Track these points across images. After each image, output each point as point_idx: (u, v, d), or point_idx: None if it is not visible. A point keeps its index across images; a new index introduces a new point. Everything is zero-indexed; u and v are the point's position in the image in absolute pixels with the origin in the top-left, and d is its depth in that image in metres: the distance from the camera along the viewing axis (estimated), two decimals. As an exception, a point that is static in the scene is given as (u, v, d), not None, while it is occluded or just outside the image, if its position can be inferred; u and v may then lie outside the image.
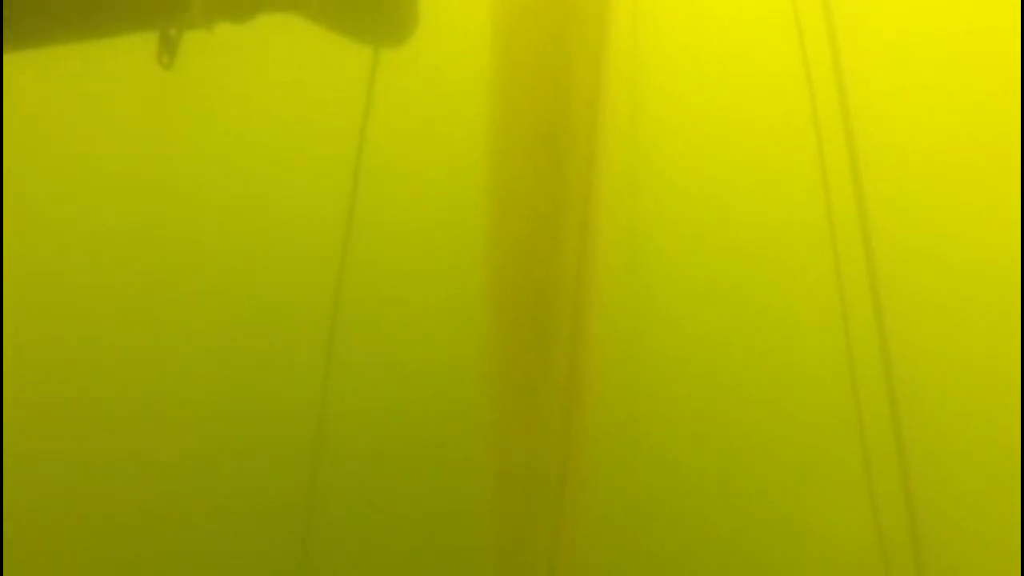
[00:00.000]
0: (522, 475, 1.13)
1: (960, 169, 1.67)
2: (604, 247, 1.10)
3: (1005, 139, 1.62)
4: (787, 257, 1.68)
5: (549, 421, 1.11)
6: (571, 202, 1.10)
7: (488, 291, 1.12)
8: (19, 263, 1.63)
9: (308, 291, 1.53)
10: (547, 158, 1.10)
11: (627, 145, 1.45)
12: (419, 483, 1.71)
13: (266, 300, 1.74)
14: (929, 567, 1.12)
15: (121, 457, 1.73)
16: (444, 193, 1.54)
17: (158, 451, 1.74)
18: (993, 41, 1.63)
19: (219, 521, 1.73)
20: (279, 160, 1.72)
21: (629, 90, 1.52)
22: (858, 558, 1.42)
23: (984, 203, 1.65)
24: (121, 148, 1.71)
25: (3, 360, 1.64)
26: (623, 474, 1.62)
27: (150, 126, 1.66)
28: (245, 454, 1.73)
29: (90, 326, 1.75)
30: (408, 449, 1.72)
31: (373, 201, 1.36)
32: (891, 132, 1.53)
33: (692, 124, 1.70)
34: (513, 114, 1.10)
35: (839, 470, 1.44)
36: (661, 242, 1.71)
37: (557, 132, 1.09)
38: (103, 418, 1.74)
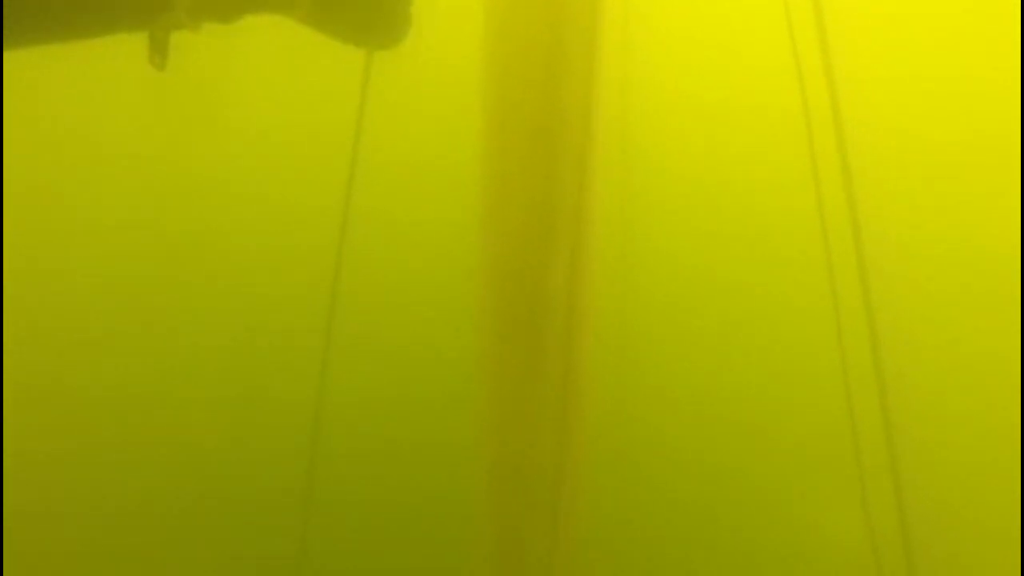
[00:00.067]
0: (518, 469, 1.13)
1: (954, 159, 1.67)
2: (597, 243, 1.10)
3: (1001, 127, 1.62)
4: (779, 255, 1.69)
5: (544, 415, 1.11)
6: (564, 200, 1.10)
7: (482, 288, 1.12)
8: (17, 262, 1.63)
9: (304, 291, 1.53)
10: (540, 157, 1.10)
11: (619, 141, 1.45)
12: (415, 480, 1.72)
13: (262, 299, 1.75)
14: (920, 564, 1.12)
15: (118, 451, 1.74)
16: (438, 192, 1.54)
17: (155, 446, 1.75)
18: (990, 32, 1.63)
19: (215, 517, 1.74)
20: (275, 160, 1.72)
21: (620, 85, 1.52)
22: (850, 553, 1.43)
23: (979, 193, 1.65)
24: (115, 150, 1.72)
25: (2, 359, 1.64)
26: (617, 469, 1.62)
27: (142, 127, 1.66)
28: (242, 450, 1.74)
29: (87, 324, 1.75)
30: (404, 446, 1.73)
31: (369, 200, 1.36)
32: (882, 125, 1.52)
33: (684, 120, 1.70)
34: (506, 113, 1.10)
35: (831, 466, 1.45)
36: (653, 237, 1.71)
37: (550, 131, 1.09)
38: (101, 415, 1.75)
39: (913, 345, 1.54)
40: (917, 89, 1.66)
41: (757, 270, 1.72)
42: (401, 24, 1.17)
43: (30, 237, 1.68)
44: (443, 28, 1.20)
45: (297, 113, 1.71)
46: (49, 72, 1.24)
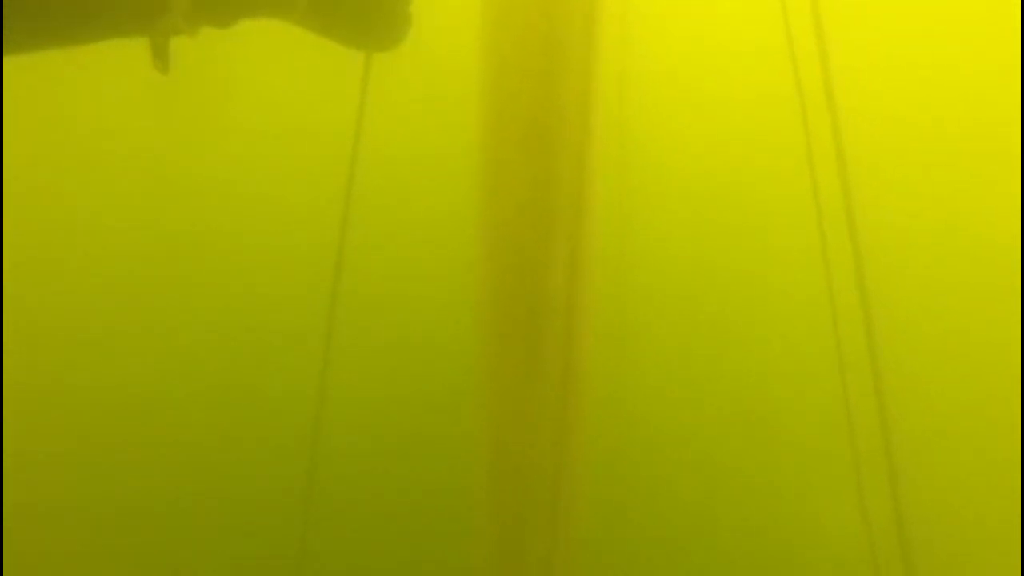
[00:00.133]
0: (518, 466, 1.14)
1: (951, 150, 1.67)
2: (596, 239, 1.11)
3: (999, 116, 1.63)
4: (776, 250, 1.69)
5: (543, 413, 1.11)
6: (563, 198, 1.10)
7: (482, 286, 1.12)
8: (17, 262, 1.64)
9: (304, 290, 1.54)
10: (539, 156, 1.10)
11: (617, 138, 1.45)
12: (415, 478, 1.73)
13: (262, 298, 1.75)
14: (917, 560, 1.13)
15: (119, 450, 1.75)
16: (438, 191, 1.54)
17: (156, 445, 1.75)
18: (987, 22, 1.63)
19: (215, 515, 1.75)
20: (274, 161, 1.73)
21: (618, 81, 1.52)
22: (846, 548, 1.44)
23: (977, 185, 1.65)
24: (116, 152, 1.72)
25: (2, 360, 1.65)
26: (616, 466, 1.63)
27: (143, 130, 1.67)
28: (241, 449, 1.75)
29: (88, 324, 1.76)
30: (404, 444, 1.74)
31: (369, 199, 1.36)
32: (879, 120, 1.53)
33: (681, 114, 1.71)
34: (504, 111, 1.10)
35: (828, 461, 1.45)
36: (652, 233, 1.72)
37: (548, 129, 1.09)
38: (102, 414, 1.75)
39: (910, 339, 1.55)
40: (914, 80, 1.67)
41: (754, 265, 1.73)
42: (400, 25, 1.17)
43: (30, 238, 1.68)
44: (441, 27, 1.20)
45: (297, 114, 1.71)
46: (49, 75, 1.24)
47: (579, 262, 1.09)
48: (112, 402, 1.76)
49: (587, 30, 1.05)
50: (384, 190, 1.57)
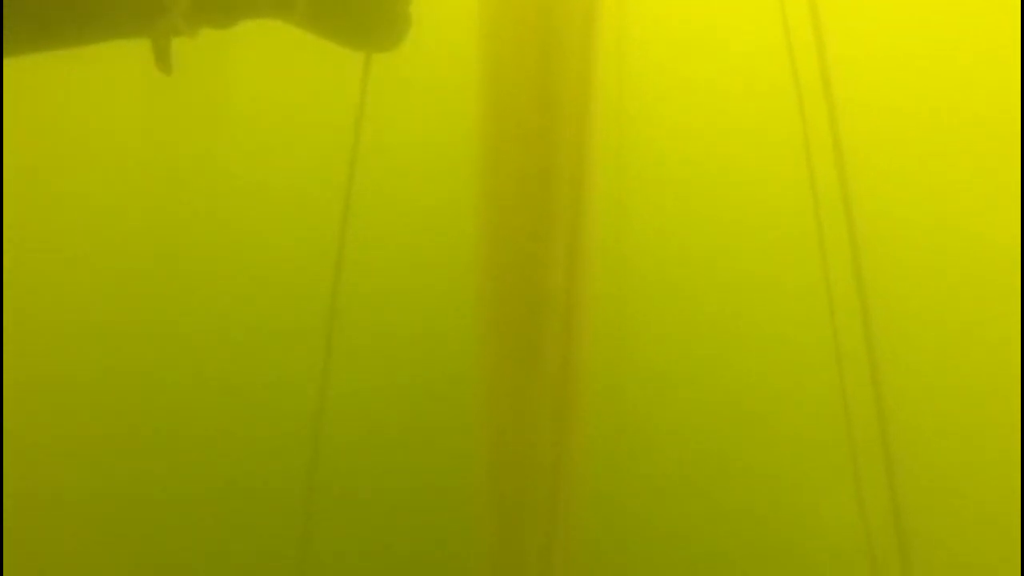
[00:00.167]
0: (517, 462, 1.14)
1: (949, 143, 1.67)
2: (595, 237, 1.11)
3: (996, 109, 1.63)
4: (774, 245, 1.70)
5: (542, 409, 1.12)
6: (562, 196, 1.11)
7: (482, 283, 1.13)
8: (17, 262, 1.64)
9: (304, 290, 1.54)
10: (538, 154, 1.10)
11: (615, 135, 1.46)
12: (414, 474, 1.73)
13: (264, 298, 1.75)
14: (914, 553, 1.14)
15: (120, 449, 1.75)
16: (438, 189, 1.55)
17: (157, 443, 1.76)
18: (986, 18, 1.63)
19: (217, 508, 1.75)
20: (275, 161, 1.73)
21: (616, 79, 1.53)
22: (843, 540, 1.44)
23: (975, 181, 1.65)
24: (116, 152, 1.72)
25: (3, 360, 1.65)
26: (614, 461, 1.64)
27: (143, 130, 1.67)
28: (242, 446, 1.75)
29: (88, 324, 1.76)
30: (404, 441, 1.74)
31: (369, 198, 1.37)
32: (877, 117, 1.54)
33: (679, 112, 1.71)
34: (503, 109, 1.10)
35: (825, 455, 1.46)
36: (650, 230, 1.72)
37: (547, 127, 1.10)
38: (103, 413, 1.76)
39: (907, 332, 1.55)
40: (911, 73, 1.67)
41: (752, 260, 1.73)
42: (400, 26, 1.17)
43: (30, 238, 1.68)
44: (440, 27, 1.20)
45: (297, 113, 1.71)
46: (49, 75, 1.24)
47: (578, 257, 1.10)
48: (114, 400, 1.76)
49: (585, 29, 1.06)
50: (384, 188, 1.57)
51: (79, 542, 1.73)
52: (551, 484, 1.11)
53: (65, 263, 1.74)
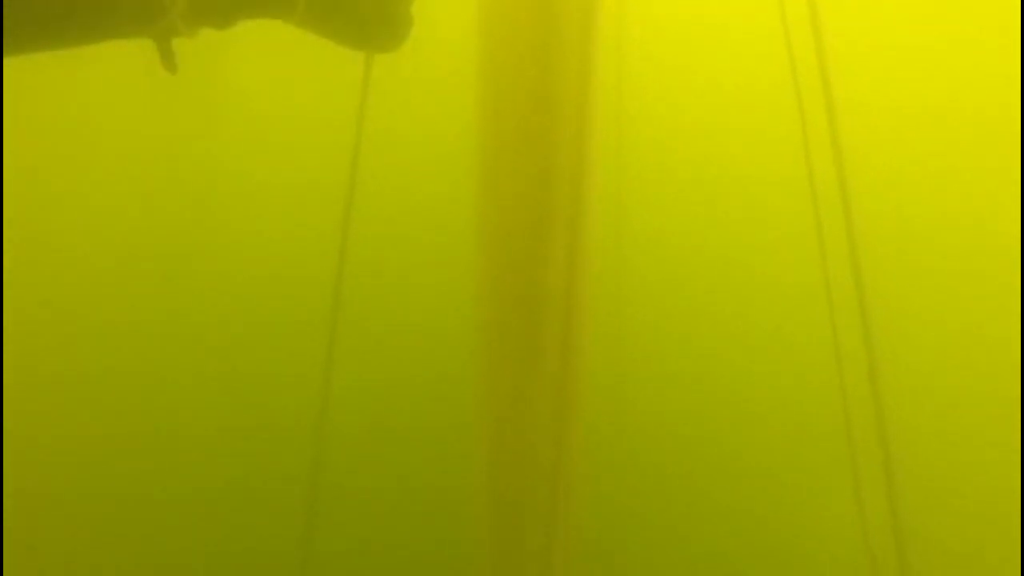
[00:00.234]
0: (517, 462, 1.15)
1: (948, 139, 1.67)
2: (594, 236, 1.11)
3: (996, 104, 1.63)
4: (773, 245, 1.70)
5: (542, 409, 1.12)
6: (562, 195, 1.11)
7: (482, 283, 1.13)
8: (17, 263, 1.65)
9: (306, 290, 1.54)
10: (537, 153, 1.10)
11: (614, 134, 1.46)
12: (415, 475, 1.74)
13: (266, 298, 1.76)
14: (913, 557, 1.14)
15: (122, 450, 1.75)
16: (438, 189, 1.55)
17: (159, 444, 1.76)
18: (986, 18, 1.63)
19: (217, 513, 1.76)
20: (275, 162, 1.74)
21: (616, 78, 1.53)
22: (842, 543, 1.44)
23: (974, 173, 1.65)
24: (117, 153, 1.73)
25: (3, 360, 1.65)
26: (613, 461, 1.64)
27: (143, 131, 1.67)
28: (245, 449, 1.76)
29: (89, 322, 1.77)
30: (403, 443, 1.75)
31: (369, 197, 1.37)
32: (875, 112, 1.54)
33: (678, 110, 1.71)
34: (502, 108, 1.10)
35: (824, 456, 1.46)
36: (649, 227, 1.73)
37: (547, 126, 1.10)
38: (105, 414, 1.76)
39: (907, 332, 1.56)
40: (912, 70, 1.67)
41: (752, 260, 1.74)
42: (402, 27, 1.17)
43: (30, 238, 1.68)
44: (440, 27, 1.20)
45: (298, 114, 1.71)
46: (49, 75, 1.24)
47: (578, 256, 1.10)
48: (116, 399, 1.77)
49: (584, 28, 1.05)
50: (385, 188, 1.57)
51: (80, 541, 1.73)
52: (551, 483, 1.11)
53: (66, 262, 1.74)
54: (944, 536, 1.55)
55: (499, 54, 1.10)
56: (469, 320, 1.11)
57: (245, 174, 1.76)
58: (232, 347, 1.78)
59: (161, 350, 1.79)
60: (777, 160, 1.51)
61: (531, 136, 1.10)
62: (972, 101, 1.65)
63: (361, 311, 1.46)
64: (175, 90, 1.11)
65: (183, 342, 1.79)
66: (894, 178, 1.64)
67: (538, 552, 1.12)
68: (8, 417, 1.65)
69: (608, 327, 1.54)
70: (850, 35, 1.34)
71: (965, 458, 1.65)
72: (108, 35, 1.06)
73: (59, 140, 1.70)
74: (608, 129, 1.14)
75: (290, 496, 1.49)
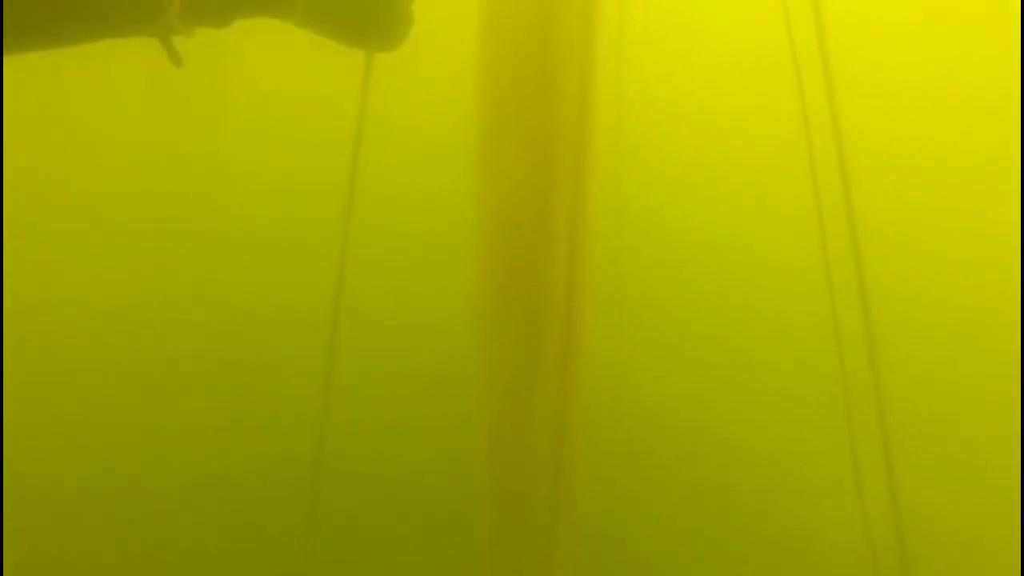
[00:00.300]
0: (519, 457, 1.15)
1: (950, 136, 1.67)
2: (595, 238, 1.11)
3: (997, 93, 1.62)
4: (775, 248, 1.70)
5: (543, 411, 1.12)
6: (562, 195, 1.11)
7: (483, 285, 1.13)
8: (18, 263, 1.64)
9: (307, 291, 1.54)
10: (538, 152, 1.10)
11: (614, 134, 1.45)
12: (417, 477, 1.74)
13: (266, 298, 1.76)
14: (915, 559, 1.14)
15: (123, 451, 1.76)
16: (439, 188, 1.54)
17: (160, 445, 1.76)
18: (989, 25, 1.62)
19: (220, 513, 1.77)
20: (275, 163, 1.73)
21: (615, 78, 1.52)
22: (845, 543, 1.45)
23: (975, 170, 1.65)
24: (117, 153, 1.72)
25: (3, 361, 1.65)
26: (615, 461, 1.65)
27: (142, 131, 1.67)
28: (246, 451, 1.76)
29: (90, 320, 1.77)
30: (406, 437, 1.75)
31: (370, 197, 1.37)
32: (877, 101, 1.53)
33: (678, 109, 1.71)
34: (502, 109, 1.10)
35: (826, 455, 1.47)
36: (649, 226, 1.72)
37: (547, 127, 1.10)
38: (106, 414, 1.76)
39: (908, 319, 1.56)
40: (913, 57, 1.66)
41: (752, 263, 1.74)
42: (402, 26, 1.17)
43: (30, 238, 1.68)
44: (439, 26, 1.20)
45: (297, 113, 1.71)
46: (49, 75, 1.24)
47: (579, 253, 1.10)
48: (117, 396, 1.77)
49: (585, 27, 1.05)
50: (385, 187, 1.57)
51: (81, 537, 1.74)
52: (552, 479, 1.11)
53: (66, 262, 1.74)
54: (945, 523, 1.56)
55: (500, 49, 1.09)
56: (470, 312, 1.11)
57: (247, 171, 1.75)
58: (234, 342, 1.78)
59: (163, 344, 1.79)
60: (779, 152, 1.51)
61: (532, 131, 1.10)
62: (973, 82, 1.65)
63: (363, 305, 1.46)
64: (176, 88, 1.11)
65: (185, 336, 1.79)
66: (895, 162, 1.64)
67: (541, 543, 1.12)
68: (9, 415, 1.66)
69: (608, 313, 1.54)
70: (851, 17, 1.33)
71: (966, 445, 1.65)
72: (105, 34, 1.06)
73: (60, 139, 1.70)
74: (608, 113, 1.13)
75: (293, 490, 1.50)
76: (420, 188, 1.72)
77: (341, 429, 1.43)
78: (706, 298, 1.77)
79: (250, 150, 1.73)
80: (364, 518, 1.78)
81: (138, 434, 1.77)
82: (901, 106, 1.64)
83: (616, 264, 1.64)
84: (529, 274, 1.11)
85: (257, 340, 1.78)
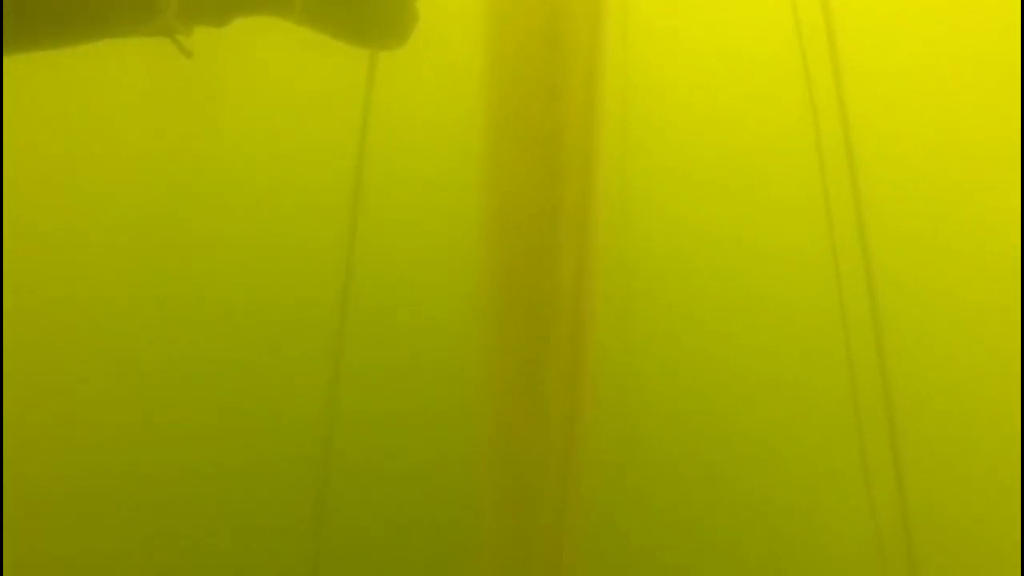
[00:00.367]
0: (527, 456, 1.15)
1: (953, 135, 1.66)
2: (602, 239, 1.11)
3: (1001, 116, 1.62)
4: (783, 251, 1.69)
5: (551, 414, 1.12)
6: (569, 193, 1.10)
7: (489, 287, 1.13)
8: (18, 263, 1.64)
9: (314, 291, 1.54)
10: (544, 150, 1.10)
11: (620, 136, 1.45)
12: (422, 481, 1.74)
13: (273, 298, 1.76)
14: (921, 559, 1.15)
15: (124, 453, 1.76)
16: (445, 185, 1.53)
17: (162, 446, 1.76)
18: (991, 28, 1.61)
19: (228, 512, 1.77)
20: (279, 162, 1.72)
21: (622, 80, 1.51)
22: (853, 542, 1.46)
23: (977, 170, 1.65)
24: (118, 153, 1.71)
25: (3, 361, 1.65)
26: (621, 461, 1.65)
27: (145, 130, 1.66)
28: (254, 453, 1.76)
29: (92, 319, 1.76)
30: (412, 445, 1.75)
31: (376, 195, 1.36)
32: (890, 126, 1.53)
33: (683, 110, 1.70)
34: (509, 109, 1.10)
35: (835, 454, 1.47)
36: (656, 225, 1.72)
37: (554, 128, 1.09)
38: (107, 415, 1.76)
39: (915, 313, 1.55)
40: (921, 54, 1.65)
41: (760, 265, 1.73)
42: (407, 23, 1.16)
43: (31, 239, 1.68)
44: (445, 24, 1.19)
45: (302, 111, 1.70)
46: (49, 75, 1.23)
47: (587, 252, 1.10)
48: (120, 397, 1.77)
49: (591, 25, 1.04)
50: (391, 185, 1.56)
51: (83, 537, 1.74)
52: (560, 479, 1.11)
53: (67, 261, 1.73)
54: (951, 513, 1.57)
55: (505, 47, 1.08)
56: (477, 309, 1.11)
57: (252, 169, 1.74)
58: (239, 340, 1.78)
59: (170, 342, 1.78)
60: (785, 139, 1.51)
61: (537, 128, 1.09)
62: (980, 74, 1.64)
63: (369, 304, 1.45)
64: (180, 87, 1.10)
65: (191, 333, 1.78)
66: (902, 154, 1.63)
67: (547, 551, 1.13)
68: (9, 415, 1.65)
69: (615, 307, 1.53)
70: (859, 12, 1.32)
71: (972, 435, 1.66)
72: (104, 34, 1.05)
73: (60, 138, 1.69)
74: (613, 108, 1.12)
75: (299, 487, 1.50)
76: (426, 186, 1.71)
77: (348, 427, 1.43)
78: (714, 291, 1.77)
79: (255, 148, 1.72)
80: (371, 515, 1.78)
81: (146, 432, 1.77)
82: (908, 98, 1.64)
83: (623, 258, 1.64)
84: (536, 270, 1.11)
85: (263, 338, 1.77)
